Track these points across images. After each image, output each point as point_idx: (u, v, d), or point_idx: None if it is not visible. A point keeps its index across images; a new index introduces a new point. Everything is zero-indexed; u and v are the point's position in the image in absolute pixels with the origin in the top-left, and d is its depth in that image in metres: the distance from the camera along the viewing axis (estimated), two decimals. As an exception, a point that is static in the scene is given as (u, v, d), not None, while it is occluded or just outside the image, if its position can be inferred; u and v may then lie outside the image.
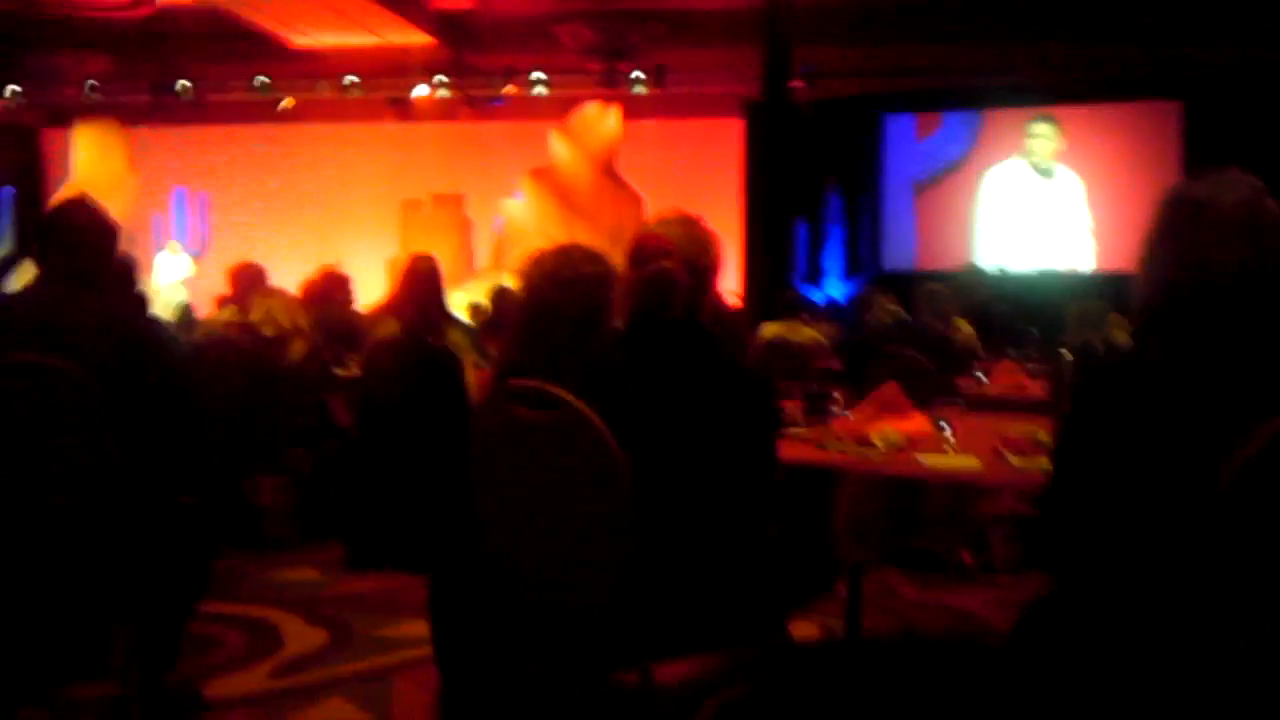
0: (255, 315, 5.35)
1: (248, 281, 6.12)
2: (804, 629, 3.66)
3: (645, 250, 2.41)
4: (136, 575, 2.73)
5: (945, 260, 12.22)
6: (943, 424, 2.95)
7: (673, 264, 2.39)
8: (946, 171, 12.94)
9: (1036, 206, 12.53)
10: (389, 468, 4.66)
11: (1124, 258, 11.00)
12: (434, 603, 2.81)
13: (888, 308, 6.76)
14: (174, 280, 13.61)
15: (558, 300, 2.46)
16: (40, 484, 2.64)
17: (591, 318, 2.45)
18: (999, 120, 12.74)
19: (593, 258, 2.49)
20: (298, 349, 5.38)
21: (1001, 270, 12.22)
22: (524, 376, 2.32)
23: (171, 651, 2.92)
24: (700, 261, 2.44)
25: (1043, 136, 12.45)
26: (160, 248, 14.32)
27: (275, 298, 5.54)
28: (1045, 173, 12.48)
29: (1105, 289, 8.26)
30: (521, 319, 2.56)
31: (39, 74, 13.83)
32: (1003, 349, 6.98)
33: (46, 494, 2.63)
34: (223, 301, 6.68)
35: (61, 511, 2.63)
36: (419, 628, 3.59)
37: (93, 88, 13.66)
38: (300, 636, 3.87)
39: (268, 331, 5.29)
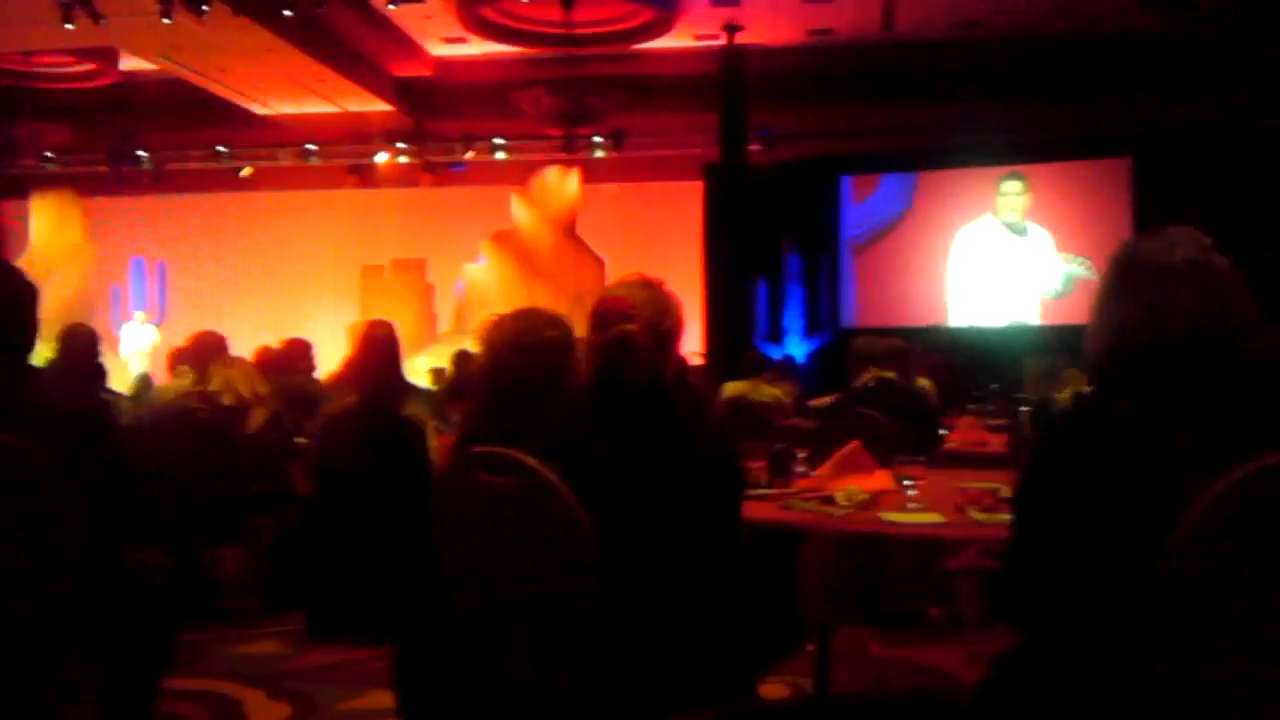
0: (214, 385, 5.30)
1: (208, 349, 6.05)
2: (773, 689, 3.64)
3: (607, 315, 2.42)
4: (92, 649, 2.66)
5: (905, 317, 12.36)
6: (906, 481, 2.96)
7: (635, 328, 2.39)
8: (886, 231, 13.11)
9: (1007, 263, 12.68)
10: (349, 538, 4.60)
11: (1077, 310, 11.24)
12: (398, 674, 2.78)
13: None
14: (140, 349, 13.51)
15: (518, 364, 2.46)
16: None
17: (553, 381, 2.45)
18: (936, 181, 12.94)
19: (553, 321, 2.50)
20: (257, 418, 5.33)
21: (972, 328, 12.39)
22: (487, 442, 2.31)
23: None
24: (663, 324, 2.44)
25: (1012, 194, 12.64)
26: (120, 318, 14.22)
27: (234, 366, 5.49)
28: (1018, 230, 12.64)
29: (1057, 342, 8.35)
30: (483, 384, 2.56)
31: (-5, 144, 13.81)
32: (964, 404, 7.05)
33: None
34: (176, 356, 6.53)
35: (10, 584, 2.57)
36: (383, 699, 3.54)
37: (50, 158, 13.62)
38: (263, 712, 3.80)
39: (227, 400, 5.24)
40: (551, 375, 2.53)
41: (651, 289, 2.47)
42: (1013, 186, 12.61)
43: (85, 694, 2.68)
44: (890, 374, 5.13)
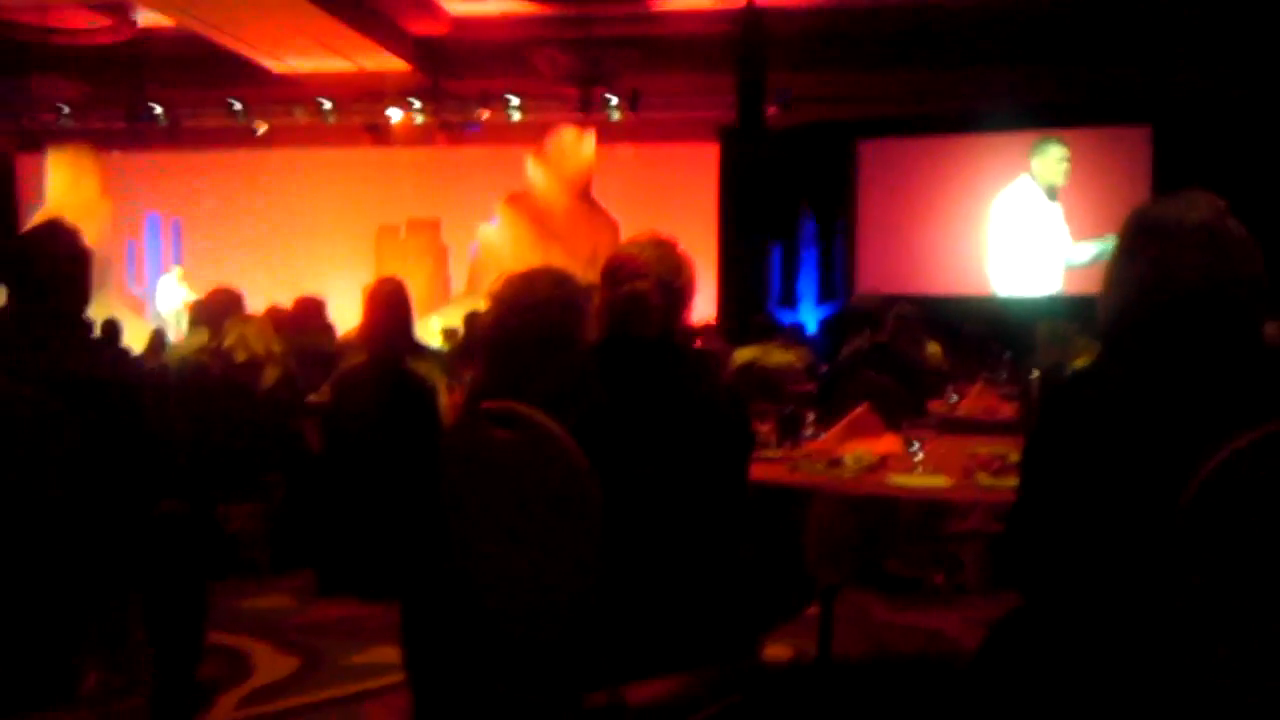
0: (228, 341, 5.32)
1: (223, 307, 6.07)
2: (776, 650, 3.65)
3: (619, 271, 2.42)
4: (116, 599, 2.72)
5: (921, 285, 12.31)
6: (914, 444, 2.96)
7: (646, 285, 2.39)
8: (904, 197, 13.02)
9: (1045, 229, 12.56)
10: (359, 494, 4.63)
11: (1089, 281, 11.19)
12: (405, 627, 2.80)
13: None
14: (176, 306, 13.54)
15: (523, 322, 2.45)
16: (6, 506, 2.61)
17: (556, 340, 2.45)
18: (955, 146, 12.81)
19: (558, 280, 2.49)
20: (270, 375, 5.35)
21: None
22: (494, 398, 2.31)
23: (193, 656, 2.93)
24: (674, 282, 2.44)
25: (1055, 159, 12.46)
26: (135, 273, 14.27)
27: (249, 323, 5.50)
28: (1053, 194, 12.49)
29: (1076, 311, 8.31)
30: (489, 342, 2.56)
31: (12, 99, 13.80)
32: (976, 371, 7.02)
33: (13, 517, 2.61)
34: (193, 311, 6.55)
35: (28, 533, 2.60)
36: (390, 654, 3.57)
37: (67, 113, 13.62)
38: (270, 664, 3.83)
39: (240, 357, 5.26)
40: (557, 334, 2.52)
41: (663, 247, 2.46)
42: (1057, 151, 12.40)
43: (101, 644, 2.73)
44: (881, 337, 5.11)
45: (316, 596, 4.66)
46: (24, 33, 12.73)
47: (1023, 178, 12.59)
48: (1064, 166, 12.43)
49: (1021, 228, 12.61)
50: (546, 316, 2.41)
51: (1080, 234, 12.16)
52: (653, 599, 2.29)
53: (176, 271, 14.10)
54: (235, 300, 6.08)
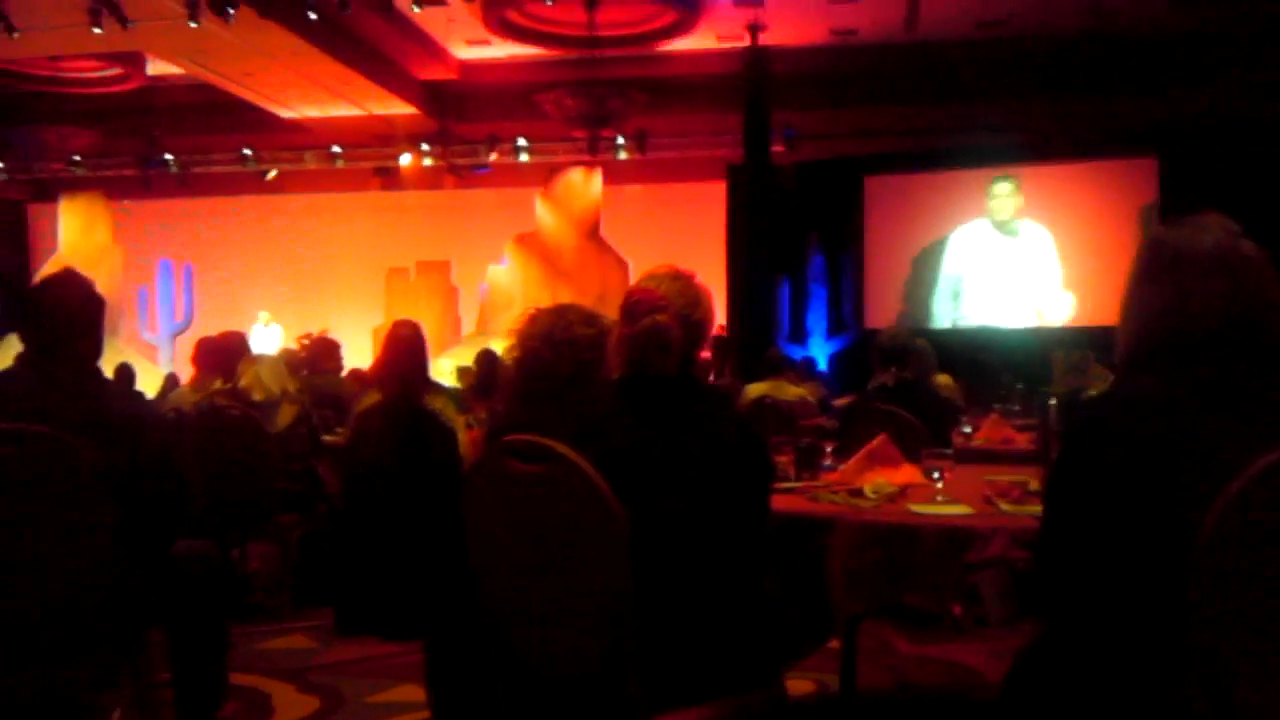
0: (244, 381, 5.34)
1: (231, 350, 6.09)
2: (799, 684, 3.64)
3: (639, 306, 2.43)
4: (134, 637, 2.73)
5: (927, 319, 12.36)
6: (934, 474, 2.96)
7: (666, 319, 2.40)
8: (907, 230, 13.09)
9: (999, 264, 12.66)
10: (378, 533, 4.64)
11: (1101, 310, 11.20)
12: (430, 666, 2.79)
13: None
14: (277, 345, 13.48)
15: (549, 359, 2.48)
16: (31, 553, 2.63)
17: (583, 376, 2.47)
18: (958, 181, 12.91)
19: (589, 318, 2.52)
20: (286, 415, 5.37)
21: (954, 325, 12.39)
22: (517, 433, 2.33)
23: (215, 696, 2.94)
24: (693, 315, 2.45)
25: (1003, 196, 12.61)
26: (148, 320, 14.34)
27: (263, 364, 5.53)
28: (1008, 230, 12.62)
29: (1083, 342, 8.32)
30: (514, 377, 2.58)
31: (25, 148, 13.95)
32: (988, 403, 7.01)
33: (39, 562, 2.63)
34: (198, 357, 6.40)
35: (55, 573, 2.61)
36: (411, 693, 3.57)
37: (78, 161, 13.76)
38: (291, 704, 3.82)
39: (256, 397, 5.29)
40: (582, 371, 2.55)
41: (682, 280, 2.48)
42: (1003, 188, 12.57)
43: (124, 681, 2.73)
44: (908, 373, 5.13)
45: (335, 636, 4.66)
46: (36, 83, 12.90)
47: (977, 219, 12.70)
48: (1010, 203, 12.53)
49: (972, 263, 12.76)
50: (578, 351, 2.43)
51: (1086, 266, 12.19)
52: (676, 631, 2.29)
53: (263, 316, 13.94)
54: (240, 342, 6.11)
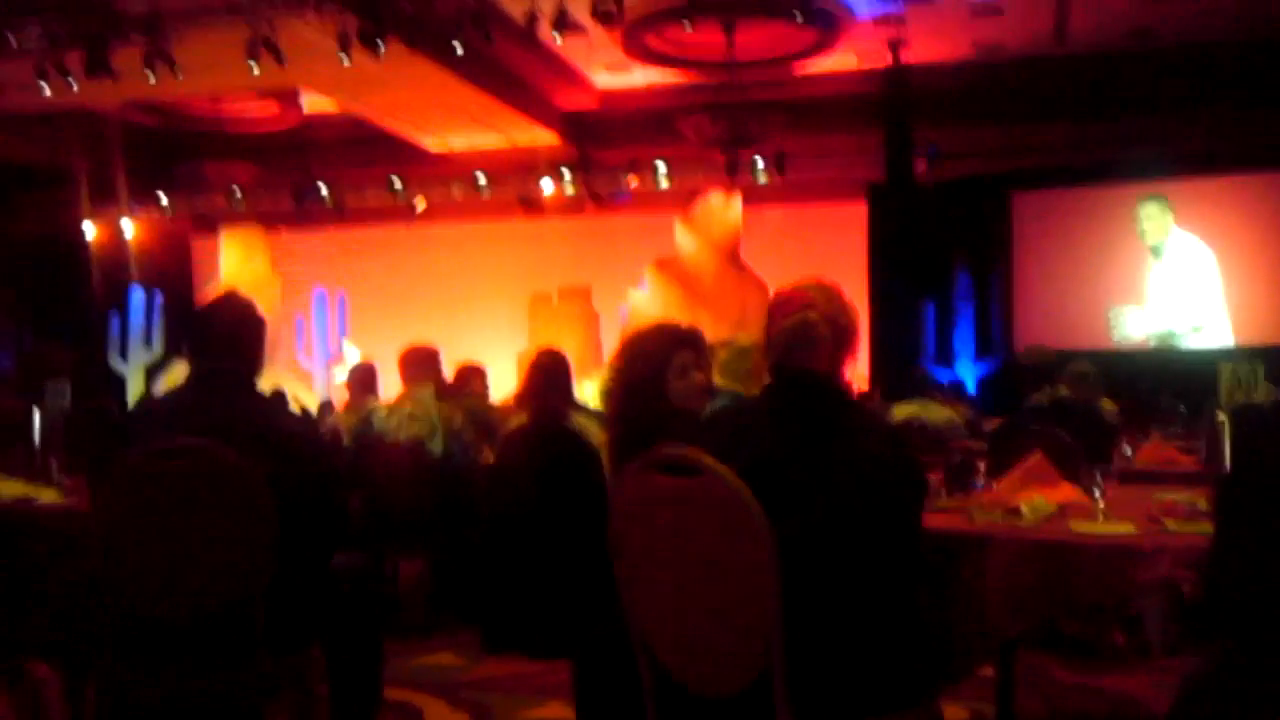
0: (408, 405, 5.51)
1: (362, 380, 6.46)
2: (954, 712, 3.54)
3: (787, 305, 2.41)
4: (296, 646, 2.81)
5: (1081, 340, 11.93)
6: (1095, 491, 2.85)
7: (815, 315, 2.38)
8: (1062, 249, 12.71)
9: (1155, 282, 12.29)
10: (524, 552, 4.70)
11: (1265, 330, 10.67)
12: (578, 684, 2.80)
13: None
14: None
15: (627, 379, 2.58)
16: (199, 564, 2.72)
17: (656, 386, 2.59)
18: (1110, 197, 12.48)
19: (661, 330, 2.65)
20: (440, 439, 5.51)
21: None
22: (632, 449, 2.34)
23: (371, 709, 3.00)
24: (840, 320, 2.42)
25: (1152, 218, 12.21)
26: (304, 346, 14.88)
27: (426, 389, 5.69)
28: (1155, 252, 12.23)
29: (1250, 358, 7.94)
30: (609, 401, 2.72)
31: (189, 184, 14.66)
32: (1146, 426, 6.74)
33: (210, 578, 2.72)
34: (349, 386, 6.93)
35: (226, 587, 2.70)
36: (559, 710, 3.59)
37: (238, 195, 14.38)
38: (443, 719, 3.89)
39: (419, 426, 5.44)
40: (651, 381, 2.70)
41: (828, 290, 2.46)
42: (1150, 210, 12.22)
43: (285, 692, 2.81)
44: (1066, 392, 4.97)
45: (482, 654, 4.72)
46: (199, 124, 13.56)
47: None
48: (1159, 224, 12.16)
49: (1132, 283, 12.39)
50: (644, 364, 2.52)
51: (1248, 284, 11.64)
52: (827, 650, 2.24)
53: (343, 343, 14.51)
54: (370, 372, 6.45)
